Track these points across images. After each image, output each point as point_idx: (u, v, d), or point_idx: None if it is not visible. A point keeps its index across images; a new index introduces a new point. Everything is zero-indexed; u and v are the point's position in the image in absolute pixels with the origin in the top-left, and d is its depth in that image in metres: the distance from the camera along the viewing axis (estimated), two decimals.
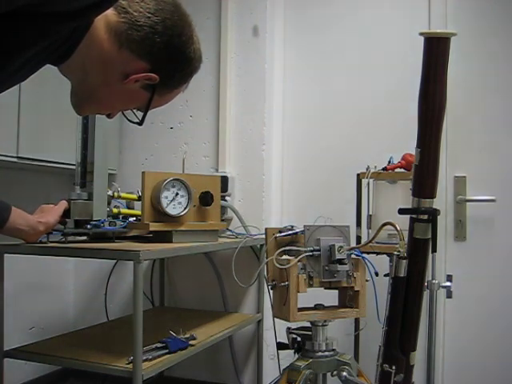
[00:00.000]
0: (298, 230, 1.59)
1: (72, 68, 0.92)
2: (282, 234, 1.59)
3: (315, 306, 1.52)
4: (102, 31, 0.88)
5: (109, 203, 1.87)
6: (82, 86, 0.94)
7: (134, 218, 1.94)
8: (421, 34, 1.35)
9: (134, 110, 1.03)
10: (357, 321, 2.06)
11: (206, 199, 1.83)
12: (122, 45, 0.89)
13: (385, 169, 1.91)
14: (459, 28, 2.03)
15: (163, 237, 1.77)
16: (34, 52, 0.81)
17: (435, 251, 1.36)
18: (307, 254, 1.46)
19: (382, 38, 2.30)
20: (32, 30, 0.75)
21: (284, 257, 1.51)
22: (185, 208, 1.78)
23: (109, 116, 1.03)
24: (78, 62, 0.90)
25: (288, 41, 2.48)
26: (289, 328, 1.58)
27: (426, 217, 1.39)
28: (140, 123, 1.02)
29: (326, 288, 1.49)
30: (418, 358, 1.47)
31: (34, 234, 1.60)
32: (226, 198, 2.32)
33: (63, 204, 1.71)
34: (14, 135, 1.98)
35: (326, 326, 1.52)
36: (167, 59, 0.93)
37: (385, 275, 1.46)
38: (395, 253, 1.39)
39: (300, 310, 1.46)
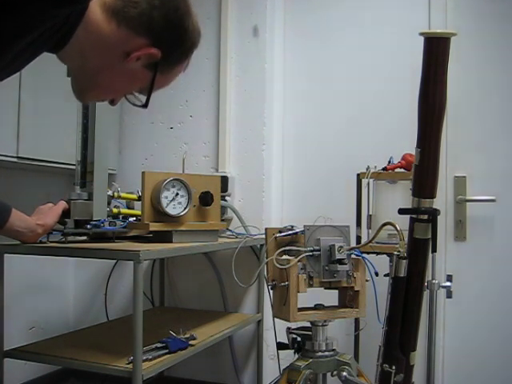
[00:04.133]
0: (297, 230, 1.59)
1: (70, 54, 0.90)
2: (282, 234, 1.59)
3: (315, 305, 1.52)
4: (98, 12, 0.86)
5: (109, 203, 1.87)
6: (83, 72, 0.93)
7: (134, 218, 1.94)
8: (421, 34, 1.35)
9: (137, 95, 1.00)
10: (357, 321, 2.06)
11: (206, 199, 1.83)
12: (119, 23, 0.87)
13: (385, 169, 1.91)
14: (459, 28, 2.04)
15: (163, 237, 1.77)
16: (30, 40, 0.80)
17: (435, 251, 1.36)
18: (307, 254, 1.45)
19: (382, 38, 2.30)
20: (26, 17, 0.74)
21: (284, 257, 1.51)
22: (185, 208, 1.78)
23: (112, 103, 1.01)
24: (77, 48, 0.88)
25: (288, 40, 2.48)
26: (289, 328, 1.58)
27: (425, 217, 1.38)
28: (145, 105, 0.99)
29: (326, 288, 1.49)
30: (418, 358, 1.47)
31: (32, 236, 1.59)
32: (226, 197, 2.32)
33: (62, 204, 1.70)
34: (14, 135, 1.98)
35: (326, 325, 1.52)
36: (166, 34, 0.92)
37: (385, 275, 1.46)
38: (395, 253, 1.39)
39: (300, 309, 1.46)
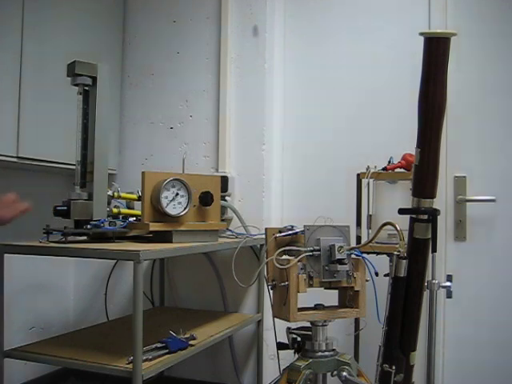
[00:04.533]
0: (297, 230, 1.59)
1: None
2: (282, 234, 1.59)
3: (315, 305, 1.52)
4: None
5: (109, 203, 1.87)
6: None
7: (134, 218, 1.94)
8: (421, 34, 1.35)
9: None
10: (357, 321, 2.06)
11: (206, 199, 1.83)
12: None
13: (385, 169, 1.91)
14: (459, 28, 2.04)
15: (163, 237, 1.77)
16: None
17: (435, 251, 1.36)
18: (307, 254, 1.46)
19: (382, 38, 2.30)
20: None
21: (284, 257, 1.51)
22: (185, 208, 1.78)
23: None
24: None
25: (288, 41, 2.48)
26: (289, 328, 1.58)
27: (425, 217, 1.39)
28: None
29: (326, 288, 1.49)
30: (418, 358, 1.47)
31: None
32: (226, 197, 2.32)
33: (26, 205, 1.57)
34: (14, 135, 1.98)
35: (325, 326, 1.53)
36: None
37: (385, 275, 1.46)
38: (395, 253, 1.40)
39: (300, 309, 1.46)
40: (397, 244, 1.41)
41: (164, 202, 1.73)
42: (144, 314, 1.47)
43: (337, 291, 1.56)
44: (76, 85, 1.81)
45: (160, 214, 1.75)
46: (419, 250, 1.41)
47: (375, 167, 1.92)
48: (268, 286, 1.58)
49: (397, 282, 1.40)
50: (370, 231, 1.90)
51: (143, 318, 1.45)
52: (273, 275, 1.54)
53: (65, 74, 1.82)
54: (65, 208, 1.75)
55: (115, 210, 1.91)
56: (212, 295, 2.44)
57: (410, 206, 1.42)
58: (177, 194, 1.76)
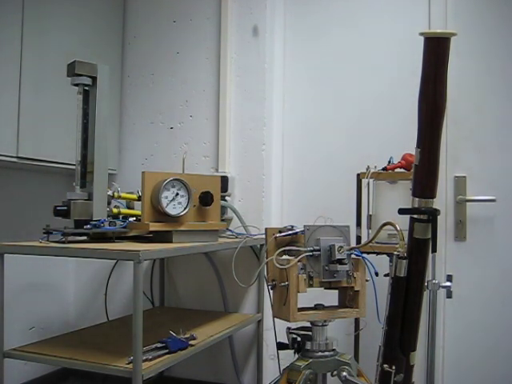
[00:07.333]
0: (297, 230, 1.59)
1: None
2: (282, 234, 1.59)
3: (315, 305, 1.53)
4: None
5: (109, 203, 1.87)
6: None
7: (134, 218, 1.94)
8: (421, 34, 1.35)
9: None
10: (357, 321, 2.06)
11: (206, 199, 1.83)
12: None
13: (385, 169, 1.91)
14: (459, 28, 2.04)
15: (163, 237, 1.77)
16: None
17: (435, 251, 1.36)
18: (307, 254, 1.46)
19: (382, 38, 2.30)
20: None
21: (284, 257, 1.51)
22: (185, 208, 1.78)
23: None
24: None
25: (288, 41, 2.48)
26: (289, 328, 1.58)
27: (425, 217, 1.39)
28: None
29: (326, 288, 1.50)
30: (418, 358, 1.47)
31: None
32: (226, 197, 2.32)
33: None
34: (14, 135, 1.98)
35: (325, 326, 1.53)
36: None
37: (385, 275, 1.46)
38: (395, 253, 1.40)
39: (300, 309, 1.46)
40: (397, 244, 1.41)
41: (164, 202, 1.73)
42: (144, 314, 1.47)
43: (337, 291, 1.56)
44: (76, 85, 1.81)
45: (160, 214, 1.75)
46: (419, 249, 1.41)
47: (375, 167, 1.92)
48: (268, 286, 1.57)
49: (397, 282, 1.40)
50: (370, 231, 1.90)
51: (143, 318, 1.45)
52: (273, 275, 1.54)
53: (65, 73, 1.82)
54: (65, 208, 1.75)
55: (115, 210, 1.91)
56: (212, 295, 2.44)
57: (409, 206, 1.42)
58: (177, 194, 1.77)
